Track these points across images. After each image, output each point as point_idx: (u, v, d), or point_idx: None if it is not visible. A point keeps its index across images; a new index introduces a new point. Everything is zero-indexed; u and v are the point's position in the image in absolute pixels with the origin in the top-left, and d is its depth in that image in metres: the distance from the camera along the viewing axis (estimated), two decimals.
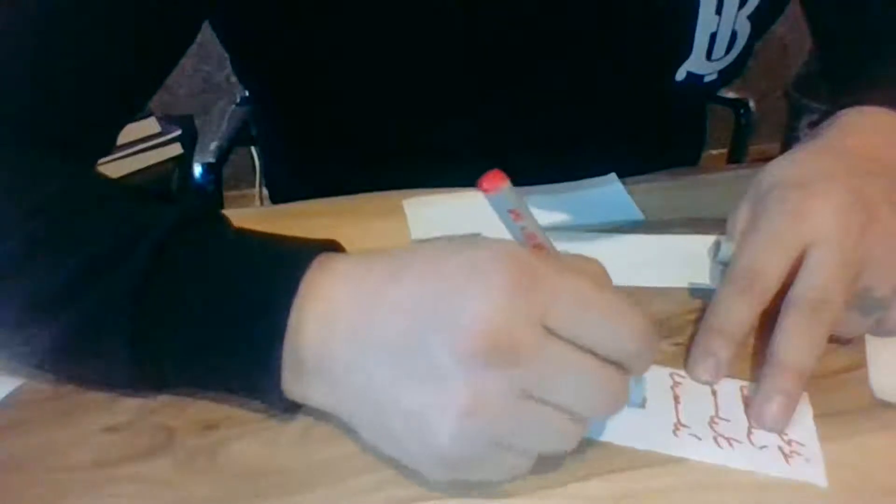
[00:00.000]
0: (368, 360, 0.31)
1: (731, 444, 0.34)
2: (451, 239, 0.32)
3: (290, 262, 0.33)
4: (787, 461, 0.33)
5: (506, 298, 0.28)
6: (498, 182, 0.29)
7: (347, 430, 0.34)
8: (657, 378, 0.38)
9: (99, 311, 0.33)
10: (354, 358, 0.31)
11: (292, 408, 0.34)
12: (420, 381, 0.29)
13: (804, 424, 0.35)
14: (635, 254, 0.48)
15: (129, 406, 0.36)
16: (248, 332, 0.32)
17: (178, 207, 0.36)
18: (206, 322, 0.33)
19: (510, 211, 0.30)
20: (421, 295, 0.30)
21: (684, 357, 0.39)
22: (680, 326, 0.41)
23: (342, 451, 0.34)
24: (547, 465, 0.32)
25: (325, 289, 0.32)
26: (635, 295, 0.44)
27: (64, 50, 0.43)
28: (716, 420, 0.35)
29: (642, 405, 0.36)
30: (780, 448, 0.34)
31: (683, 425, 0.35)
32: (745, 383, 0.37)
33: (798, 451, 0.34)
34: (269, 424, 0.35)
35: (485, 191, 0.29)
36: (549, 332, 0.29)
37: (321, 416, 0.34)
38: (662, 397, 0.36)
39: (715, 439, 0.34)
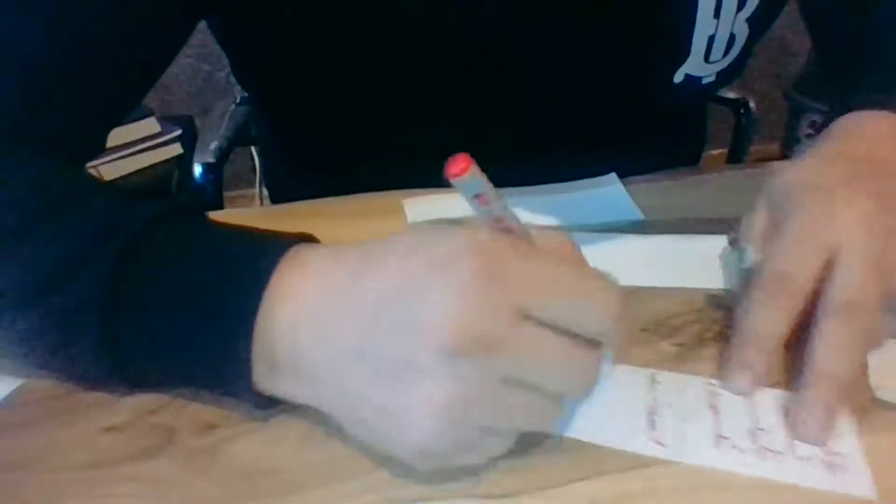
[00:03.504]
0: (337, 358, 0.30)
1: (775, 457, 0.33)
2: (420, 229, 0.32)
3: (260, 256, 0.33)
4: (832, 473, 0.32)
5: (472, 290, 0.28)
6: (464, 166, 0.28)
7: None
8: (693, 389, 0.37)
9: (70, 304, 0.33)
10: (323, 356, 0.31)
11: (265, 404, 0.34)
12: (391, 378, 0.29)
13: (847, 434, 0.34)
14: (635, 254, 0.48)
15: (129, 406, 0.36)
16: (218, 327, 0.32)
17: (153, 204, 0.36)
18: (175, 317, 0.33)
19: (477, 196, 0.30)
20: (387, 292, 0.30)
21: (684, 357, 0.39)
22: (680, 326, 0.41)
23: (342, 451, 0.34)
24: (547, 465, 0.32)
25: (294, 283, 0.32)
26: (635, 295, 0.44)
27: (52, 51, 0.43)
28: (757, 431, 0.34)
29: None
30: (823, 460, 0.33)
31: (724, 437, 0.34)
32: (782, 392, 0.36)
33: (843, 463, 0.32)
34: (269, 424, 0.35)
35: (451, 176, 0.28)
36: (521, 315, 0.29)
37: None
38: (700, 409, 0.35)
39: (759, 452, 0.33)
